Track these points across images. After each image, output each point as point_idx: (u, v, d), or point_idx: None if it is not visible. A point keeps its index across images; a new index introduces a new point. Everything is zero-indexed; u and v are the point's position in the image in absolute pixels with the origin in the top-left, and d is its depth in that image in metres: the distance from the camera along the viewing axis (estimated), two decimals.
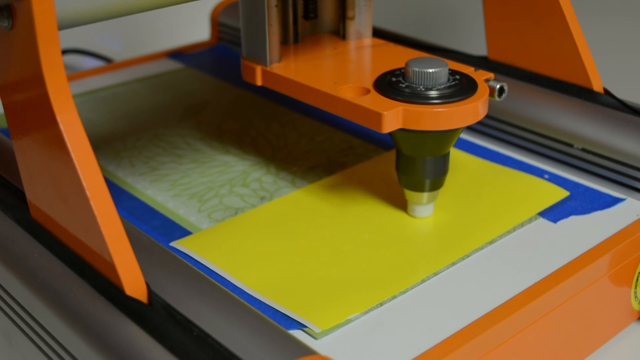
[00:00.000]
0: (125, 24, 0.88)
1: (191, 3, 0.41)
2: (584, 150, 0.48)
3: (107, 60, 0.80)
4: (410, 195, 0.44)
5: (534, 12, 0.51)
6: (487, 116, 0.53)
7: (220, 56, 0.68)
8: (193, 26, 0.83)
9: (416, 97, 0.40)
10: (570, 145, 0.49)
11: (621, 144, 0.47)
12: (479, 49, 0.62)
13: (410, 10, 0.86)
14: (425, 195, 0.43)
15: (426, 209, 0.44)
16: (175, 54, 0.69)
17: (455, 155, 0.51)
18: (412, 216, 0.44)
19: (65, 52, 0.80)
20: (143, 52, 0.77)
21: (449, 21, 0.83)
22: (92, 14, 0.34)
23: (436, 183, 0.43)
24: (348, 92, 0.42)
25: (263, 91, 0.61)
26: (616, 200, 0.46)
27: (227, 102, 0.60)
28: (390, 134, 0.42)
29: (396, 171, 0.44)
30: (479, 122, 0.53)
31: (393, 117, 0.40)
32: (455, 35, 0.82)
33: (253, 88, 0.62)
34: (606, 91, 0.50)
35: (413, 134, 0.41)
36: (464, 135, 0.54)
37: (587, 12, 0.67)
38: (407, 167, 0.43)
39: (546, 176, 0.48)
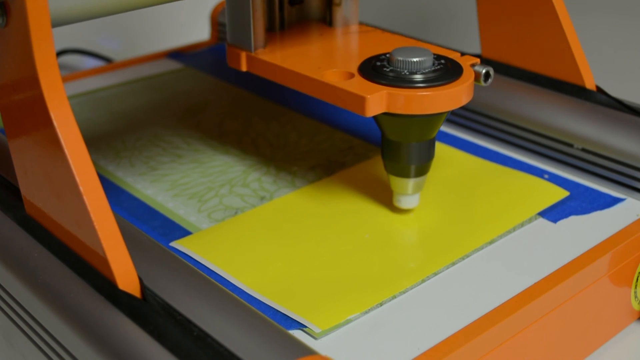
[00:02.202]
0: (125, 24, 0.88)
1: (191, 3, 0.41)
2: (584, 150, 0.48)
3: (107, 60, 0.80)
4: (395, 184, 0.44)
5: (527, 10, 0.51)
6: (487, 116, 0.53)
7: (220, 56, 0.68)
8: (193, 26, 0.83)
9: (400, 81, 0.40)
10: (570, 145, 0.49)
11: (621, 144, 0.47)
12: (474, 47, 0.62)
13: (406, 9, 0.86)
14: (410, 184, 0.43)
15: (412, 200, 0.44)
16: (175, 54, 0.69)
17: (455, 154, 0.51)
18: (398, 207, 0.44)
19: (65, 52, 0.80)
20: (143, 52, 0.77)
21: (444, 20, 0.83)
22: (86, 11, 0.35)
23: (421, 169, 0.43)
24: (332, 77, 0.42)
25: (263, 91, 0.61)
26: (616, 200, 0.46)
27: (227, 102, 0.60)
28: (375, 118, 0.41)
29: (382, 157, 0.44)
30: (479, 122, 0.53)
31: (377, 100, 0.39)
32: (451, 34, 0.82)
33: (253, 88, 0.62)
34: (598, 89, 0.50)
35: (397, 118, 0.41)
36: (464, 135, 0.54)
37: (580, 10, 0.67)
38: (392, 153, 0.43)
39: (546, 176, 0.48)
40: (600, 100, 0.49)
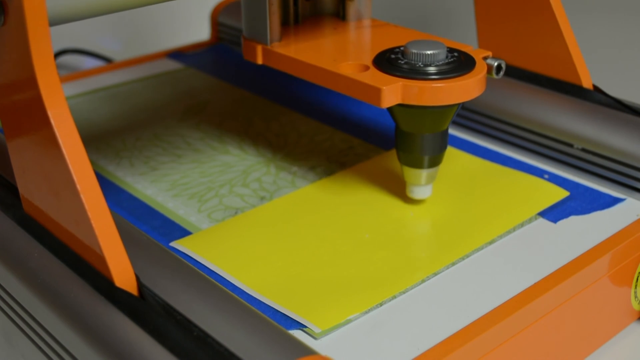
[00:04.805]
0: (125, 24, 0.88)
1: (191, 3, 0.41)
2: (584, 150, 0.48)
3: (107, 60, 0.80)
4: (408, 175, 0.44)
5: (524, 9, 0.51)
6: (487, 116, 0.53)
7: (220, 56, 0.68)
8: (193, 26, 0.83)
9: (415, 72, 0.41)
10: (570, 145, 0.49)
11: (621, 144, 0.47)
12: (472, 46, 0.62)
13: (405, 8, 0.86)
14: (423, 175, 0.44)
15: (424, 190, 0.45)
16: (175, 54, 0.69)
17: (456, 155, 0.51)
18: (411, 197, 0.45)
19: (65, 52, 0.80)
20: (143, 52, 0.77)
21: (442, 18, 0.83)
22: (83, 9, 0.35)
23: (434, 160, 0.44)
24: (348, 69, 0.43)
25: (263, 91, 0.61)
26: (616, 200, 0.46)
27: (227, 102, 0.60)
28: (389, 110, 0.42)
29: (395, 149, 0.44)
30: (479, 122, 0.53)
31: (392, 92, 0.40)
32: (449, 33, 0.82)
33: (253, 88, 0.62)
34: (595, 88, 0.50)
35: (411, 109, 0.41)
36: (465, 135, 0.54)
37: (576, 9, 0.67)
38: (405, 144, 0.43)
39: (546, 176, 0.48)
40: (600, 100, 0.49)
